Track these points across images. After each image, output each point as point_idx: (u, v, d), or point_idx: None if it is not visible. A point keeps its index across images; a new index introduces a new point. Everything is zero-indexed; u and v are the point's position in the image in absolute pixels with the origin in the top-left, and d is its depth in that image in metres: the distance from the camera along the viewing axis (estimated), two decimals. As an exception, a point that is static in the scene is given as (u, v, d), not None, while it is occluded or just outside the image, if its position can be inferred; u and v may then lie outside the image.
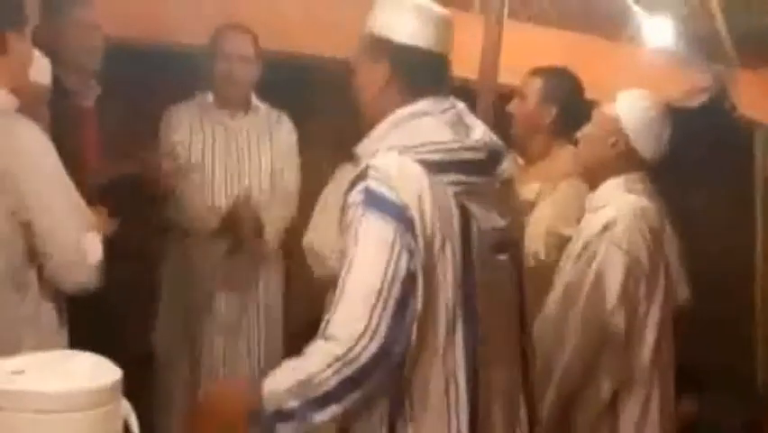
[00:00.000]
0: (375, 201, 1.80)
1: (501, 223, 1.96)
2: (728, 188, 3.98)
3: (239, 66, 3.44)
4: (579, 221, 2.69)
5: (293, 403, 1.76)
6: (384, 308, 1.74)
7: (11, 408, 1.55)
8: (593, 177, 2.67)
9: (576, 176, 2.79)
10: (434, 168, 1.85)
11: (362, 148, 1.97)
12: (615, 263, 2.47)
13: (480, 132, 1.98)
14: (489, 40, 2.95)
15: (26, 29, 2.28)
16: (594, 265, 2.49)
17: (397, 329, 1.75)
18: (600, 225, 2.51)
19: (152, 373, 3.48)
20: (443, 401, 1.86)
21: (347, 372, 1.74)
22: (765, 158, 3.97)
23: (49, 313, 2.28)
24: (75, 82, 3.17)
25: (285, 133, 3.61)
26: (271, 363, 3.23)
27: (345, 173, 3.29)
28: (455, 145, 1.90)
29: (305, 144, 3.68)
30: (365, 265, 1.77)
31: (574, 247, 2.58)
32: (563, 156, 2.91)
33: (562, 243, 2.74)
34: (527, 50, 3.38)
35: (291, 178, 3.56)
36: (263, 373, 1.85)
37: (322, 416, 1.77)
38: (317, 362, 1.75)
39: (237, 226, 3.36)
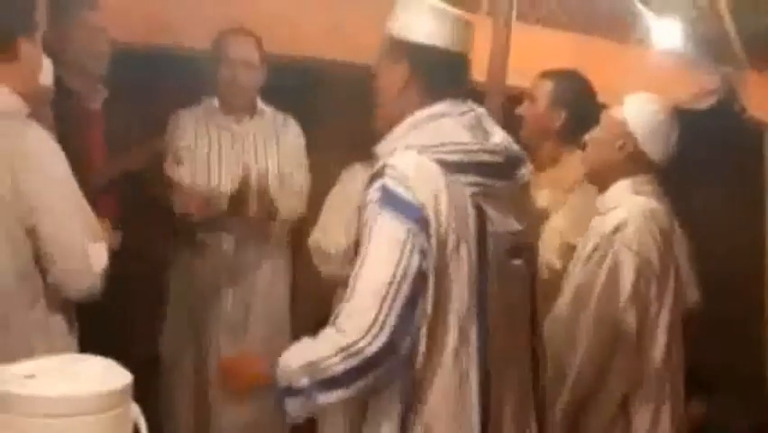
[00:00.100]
0: (390, 200, 1.83)
1: (517, 227, 1.98)
2: (738, 189, 3.97)
3: (243, 71, 3.44)
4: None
5: (303, 381, 1.84)
6: (392, 306, 1.78)
7: (22, 412, 1.56)
8: (601, 179, 2.68)
9: (587, 183, 2.78)
10: (452, 168, 1.88)
11: (381, 148, 1.99)
12: (626, 265, 2.49)
13: (499, 136, 2.01)
14: (498, 42, 2.95)
15: (37, 34, 2.28)
16: (605, 267, 2.50)
17: (403, 326, 1.79)
18: (611, 228, 2.52)
19: (159, 376, 3.49)
20: (455, 400, 1.88)
21: (353, 362, 1.79)
22: (775, 159, 3.95)
23: (58, 318, 2.28)
24: (82, 85, 3.18)
25: (292, 136, 3.61)
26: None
27: (352, 174, 3.31)
28: (474, 147, 1.92)
29: (312, 146, 3.69)
30: (377, 262, 1.81)
31: (584, 249, 2.59)
32: (573, 163, 2.89)
33: (574, 253, 2.74)
34: (536, 53, 3.38)
35: (300, 180, 3.56)
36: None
37: (327, 398, 1.84)
38: (326, 348, 1.81)
39: (245, 205, 3.33)
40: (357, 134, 3.50)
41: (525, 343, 2.05)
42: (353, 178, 3.30)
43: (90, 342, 2.31)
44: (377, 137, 3.11)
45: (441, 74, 1.99)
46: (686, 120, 2.71)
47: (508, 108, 3.01)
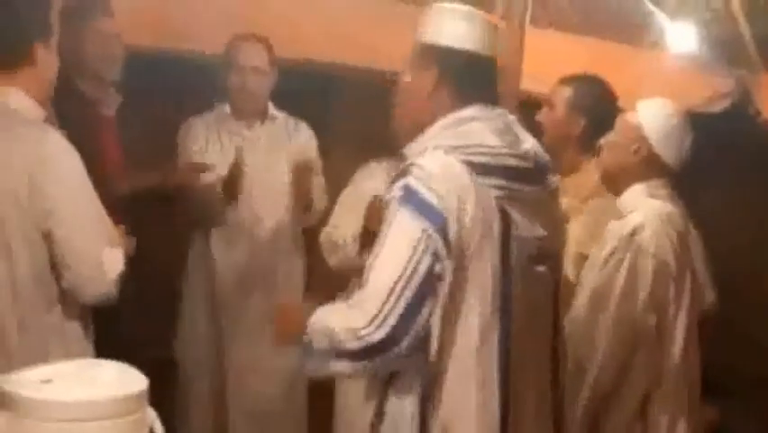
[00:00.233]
0: (411, 199, 1.86)
1: (542, 233, 2.00)
2: (752, 192, 3.96)
3: (253, 78, 3.44)
4: None
5: (323, 344, 1.90)
6: (397, 301, 1.82)
7: (39, 417, 1.57)
8: (616, 183, 2.69)
9: (603, 192, 2.78)
10: (479, 170, 1.90)
11: (410, 149, 2.01)
12: (643, 268, 2.50)
13: (529, 143, 2.03)
14: (512, 45, 2.95)
15: (52, 40, 2.29)
16: (623, 270, 2.51)
17: (406, 323, 1.83)
18: (627, 231, 2.53)
19: (174, 381, 3.49)
20: (476, 400, 1.90)
21: (358, 344, 1.84)
22: (790, 162, 3.94)
23: (75, 323, 2.29)
24: (96, 91, 3.18)
25: (304, 140, 3.61)
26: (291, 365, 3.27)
27: (365, 173, 3.31)
28: (502, 151, 1.94)
29: (323, 149, 3.69)
30: (389, 257, 1.85)
31: (600, 253, 2.58)
32: (591, 171, 2.87)
33: (581, 260, 2.74)
34: (549, 57, 3.37)
35: (316, 185, 3.54)
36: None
37: (337, 367, 1.90)
38: (339, 322, 1.87)
39: (237, 189, 3.34)
40: (368, 136, 3.54)
41: (546, 346, 2.07)
42: (367, 177, 3.31)
43: (104, 345, 2.33)
44: (390, 138, 3.13)
45: (470, 78, 2.02)
46: (700, 123, 2.71)
47: (523, 113, 3.00)
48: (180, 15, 3.49)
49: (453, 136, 1.95)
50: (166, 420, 1.72)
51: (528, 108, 3.06)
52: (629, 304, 2.49)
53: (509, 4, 3.06)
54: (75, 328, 2.28)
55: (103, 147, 3.14)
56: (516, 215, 1.94)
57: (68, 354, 2.14)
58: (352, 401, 3.10)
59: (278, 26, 3.56)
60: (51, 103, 2.37)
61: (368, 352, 1.84)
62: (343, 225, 3.20)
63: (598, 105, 2.94)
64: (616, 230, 2.57)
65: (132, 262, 2.43)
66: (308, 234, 3.58)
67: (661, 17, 3.47)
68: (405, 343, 1.83)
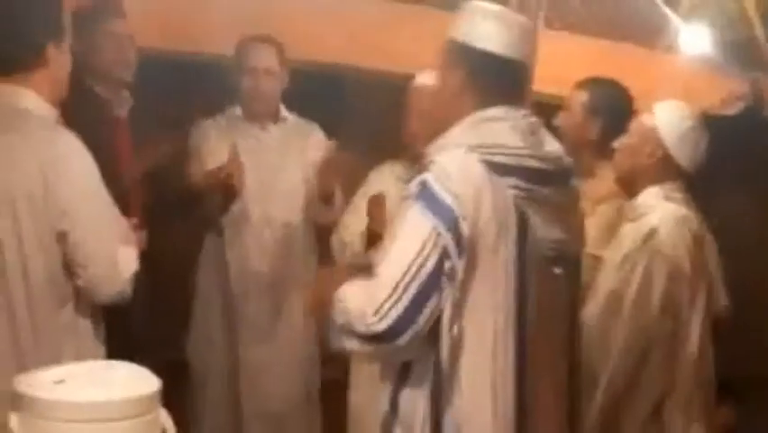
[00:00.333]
0: (425, 195, 1.87)
1: (560, 236, 2.00)
2: (767, 195, 3.94)
3: (264, 79, 3.44)
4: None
5: (340, 319, 1.93)
6: (400, 297, 1.84)
7: (52, 417, 1.57)
8: (630, 186, 2.69)
9: (618, 194, 2.77)
10: (498, 170, 1.90)
11: (434, 148, 2.00)
12: (658, 271, 2.50)
13: (553, 146, 2.03)
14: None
15: (64, 41, 2.30)
16: (637, 274, 2.51)
17: (409, 317, 1.84)
18: (643, 234, 2.53)
19: (186, 382, 3.49)
20: (491, 401, 1.91)
21: (364, 330, 1.87)
22: (804, 166, 3.92)
23: (87, 322, 2.29)
24: (108, 92, 3.18)
25: (316, 142, 3.61)
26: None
27: (379, 175, 3.32)
28: (523, 152, 1.94)
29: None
30: (398, 251, 1.88)
31: (615, 255, 2.58)
32: (607, 175, 2.86)
33: (595, 263, 2.73)
34: (563, 60, 3.36)
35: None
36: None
37: (349, 344, 1.93)
38: (354, 303, 1.91)
39: (226, 185, 3.29)
40: (381, 138, 3.54)
41: (563, 349, 2.08)
42: (380, 179, 3.32)
43: (117, 346, 2.33)
44: (403, 140, 3.13)
45: (498, 79, 2.02)
46: (714, 126, 2.71)
47: (539, 117, 2.99)
48: (192, 17, 3.50)
49: (475, 135, 1.95)
50: (179, 422, 1.72)
51: (545, 112, 3.05)
52: (644, 307, 2.50)
53: (522, 6, 3.05)
54: (87, 329, 2.29)
55: (115, 148, 3.14)
56: (533, 216, 1.94)
57: (80, 355, 2.15)
58: (365, 399, 3.11)
59: (290, 28, 3.56)
60: (64, 103, 2.37)
61: (372, 339, 1.87)
62: (353, 225, 3.21)
63: (614, 109, 2.93)
64: (630, 233, 2.57)
65: (144, 262, 2.44)
66: (321, 234, 3.58)
67: (675, 20, 3.45)
68: (406, 337, 1.85)
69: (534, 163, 1.95)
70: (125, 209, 2.48)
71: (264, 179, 3.44)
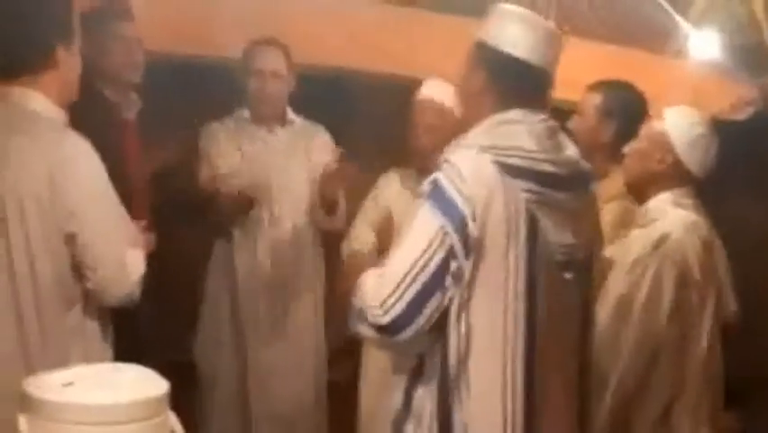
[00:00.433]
0: (436, 194, 1.90)
1: (572, 241, 2.01)
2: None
3: (272, 82, 3.45)
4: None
5: (358, 304, 1.97)
6: (405, 291, 1.87)
7: (61, 419, 1.57)
8: (640, 191, 2.68)
9: (624, 197, 2.77)
10: (511, 172, 1.91)
11: (449, 148, 2.01)
12: (668, 278, 2.49)
13: (570, 151, 2.04)
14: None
15: (74, 43, 2.30)
16: (647, 279, 2.50)
17: (411, 313, 1.87)
18: (653, 240, 2.52)
19: (195, 385, 3.49)
20: (500, 402, 1.93)
21: (371, 320, 1.91)
22: (813, 171, 3.91)
23: (94, 324, 2.29)
24: (116, 94, 3.19)
25: (322, 145, 3.61)
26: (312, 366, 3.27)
27: (387, 181, 3.32)
28: (538, 156, 1.95)
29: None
30: (406, 247, 1.91)
31: (624, 261, 2.58)
32: (617, 176, 2.85)
33: (606, 266, 2.72)
34: (572, 65, 3.35)
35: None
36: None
37: (364, 330, 1.95)
38: (368, 291, 1.94)
39: (248, 201, 3.34)
40: (386, 141, 3.54)
41: (573, 351, 2.08)
42: (388, 184, 3.32)
43: (124, 348, 2.33)
44: (407, 147, 3.14)
45: (518, 84, 2.02)
46: (723, 131, 2.70)
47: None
48: (199, 20, 3.50)
49: (491, 136, 1.96)
50: (187, 424, 1.72)
51: (552, 116, 3.05)
52: (653, 312, 2.49)
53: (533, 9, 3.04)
54: (95, 331, 2.29)
55: (123, 150, 3.14)
56: (545, 220, 1.94)
57: (88, 357, 2.16)
58: (375, 401, 3.12)
59: (295, 31, 3.56)
60: (73, 106, 2.37)
61: (378, 330, 1.90)
62: (363, 236, 3.21)
63: (628, 112, 2.92)
64: (641, 238, 2.57)
65: (153, 264, 2.44)
66: (328, 235, 3.58)
67: (684, 25, 3.45)
68: (408, 332, 1.87)
69: (547, 167, 1.96)
70: (133, 211, 2.48)
71: (272, 181, 3.44)
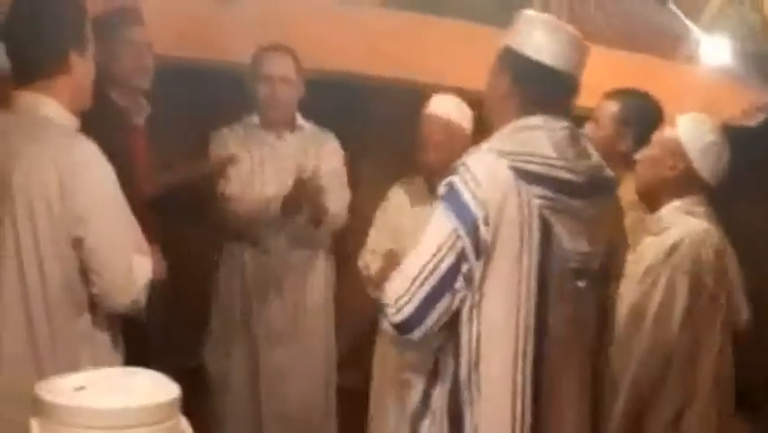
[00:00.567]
0: (450, 197, 1.92)
1: (587, 249, 2.01)
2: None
3: (281, 88, 3.45)
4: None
5: (383, 300, 1.99)
6: (415, 293, 1.91)
7: (72, 423, 1.57)
8: (652, 199, 2.68)
9: (636, 206, 2.75)
10: (526, 177, 1.92)
11: (470, 152, 2.02)
12: (680, 286, 2.50)
13: (594, 159, 2.05)
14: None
15: (87, 49, 2.30)
16: (660, 288, 2.51)
17: (420, 315, 1.90)
18: (665, 249, 2.52)
19: (205, 389, 3.49)
20: (510, 407, 1.94)
21: (388, 319, 1.95)
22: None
23: (104, 332, 2.29)
24: (126, 99, 3.19)
25: (331, 151, 3.61)
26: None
27: (397, 193, 3.32)
28: (555, 162, 1.96)
29: (353, 161, 3.70)
30: (420, 248, 1.94)
31: (637, 269, 2.57)
32: (631, 185, 2.83)
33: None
34: (585, 70, 3.35)
35: (340, 196, 3.55)
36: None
37: (385, 324, 1.99)
38: (389, 289, 1.97)
39: (299, 207, 3.33)
40: (398, 147, 3.54)
41: (587, 358, 2.08)
42: (397, 195, 3.33)
43: (134, 354, 2.32)
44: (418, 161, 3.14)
45: (541, 89, 2.03)
46: (735, 137, 2.69)
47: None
48: (210, 26, 3.51)
49: (510, 142, 1.98)
50: (198, 429, 1.71)
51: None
52: (665, 320, 2.49)
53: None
54: (104, 338, 2.29)
55: (133, 155, 3.14)
56: (559, 226, 1.95)
57: (98, 362, 2.15)
58: (385, 405, 3.11)
59: (305, 36, 3.56)
60: (82, 111, 2.37)
61: (394, 328, 1.95)
62: (380, 247, 3.21)
63: (645, 121, 2.90)
64: (653, 247, 2.57)
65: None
66: (336, 237, 3.59)
67: (696, 31, 3.44)
68: (418, 333, 1.91)
69: (564, 174, 1.96)
70: (144, 219, 2.47)
71: (281, 187, 3.43)
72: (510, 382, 1.93)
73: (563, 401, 2.00)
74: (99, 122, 2.47)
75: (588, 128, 2.97)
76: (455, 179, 1.93)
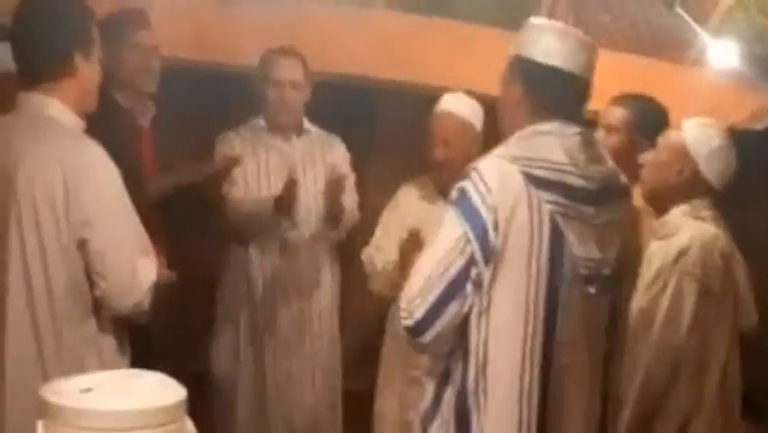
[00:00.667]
0: (461, 201, 1.93)
1: (597, 255, 2.02)
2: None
3: (290, 92, 3.45)
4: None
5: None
6: (425, 296, 1.92)
7: (78, 425, 1.56)
8: (659, 203, 2.66)
9: (642, 212, 2.74)
10: (537, 183, 1.92)
11: (482, 158, 2.03)
12: (688, 291, 2.49)
13: (608, 165, 2.06)
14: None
15: (93, 51, 2.30)
16: (668, 294, 2.50)
17: (429, 320, 1.92)
18: (673, 254, 2.51)
19: (212, 393, 3.48)
20: (517, 410, 1.95)
21: (402, 322, 1.98)
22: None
23: (110, 336, 2.29)
24: (131, 102, 3.19)
25: (337, 153, 3.61)
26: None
27: (406, 192, 3.32)
28: (566, 168, 1.96)
29: (360, 163, 3.69)
30: (431, 252, 1.96)
31: (645, 275, 2.56)
32: (638, 191, 2.82)
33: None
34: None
35: (350, 197, 3.55)
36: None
37: (401, 329, 2.00)
38: (404, 289, 1.99)
39: (291, 207, 3.34)
40: (407, 149, 3.53)
41: (596, 364, 2.09)
42: (407, 195, 3.32)
43: (140, 358, 2.32)
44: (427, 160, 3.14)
45: (553, 95, 2.04)
46: (742, 140, 2.68)
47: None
48: (216, 28, 3.51)
49: (521, 147, 1.99)
50: (204, 432, 1.71)
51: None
52: (673, 328, 2.48)
53: (552, 16, 3.04)
54: (110, 342, 2.30)
55: (138, 157, 3.14)
56: (568, 232, 1.96)
57: (104, 365, 2.16)
58: (390, 409, 3.11)
59: (315, 39, 3.56)
60: (88, 113, 2.37)
61: (406, 331, 1.97)
62: (386, 248, 3.21)
63: (653, 127, 2.84)
64: (660, 252, 2.55)
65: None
66: (342, 243, 3.59)
67: (703, 34, 3.44)
68: (428, 337, 1.93)
69: (575, 181, 1.97)
70: (149, 221, 2.47)
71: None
72: (517, 387, 1.93)
73: (571, 407, 2.00)
74: (105, 124, 2.47)
75: (599, 136, 2.94)
76: (467, 183, 1.94)
